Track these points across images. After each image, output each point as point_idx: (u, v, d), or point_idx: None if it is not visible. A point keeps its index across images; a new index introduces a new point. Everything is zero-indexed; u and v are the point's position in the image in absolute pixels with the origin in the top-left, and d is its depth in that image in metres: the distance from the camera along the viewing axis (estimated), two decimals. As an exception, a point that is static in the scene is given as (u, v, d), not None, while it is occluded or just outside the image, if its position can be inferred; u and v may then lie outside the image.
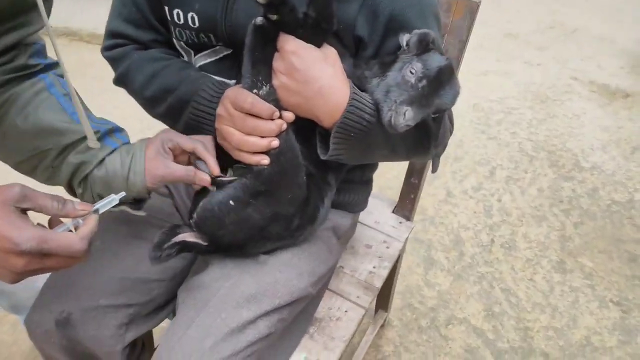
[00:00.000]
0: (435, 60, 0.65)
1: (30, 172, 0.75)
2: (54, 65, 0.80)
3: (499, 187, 2.06)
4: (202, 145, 0.73)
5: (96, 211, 0.59)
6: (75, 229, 0.57)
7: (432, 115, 0.68)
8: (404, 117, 0.63)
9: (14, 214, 0.51)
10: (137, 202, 0.77)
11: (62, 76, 0.81)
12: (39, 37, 0.76)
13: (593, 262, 1.76)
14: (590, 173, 2.15)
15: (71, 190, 0.75)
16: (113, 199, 0.62)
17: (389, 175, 2.05)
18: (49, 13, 0.76)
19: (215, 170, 0.73)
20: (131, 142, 0.79)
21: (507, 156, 2.23)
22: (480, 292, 1.64)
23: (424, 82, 0.64)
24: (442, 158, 2.44)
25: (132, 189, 0.71)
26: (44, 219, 0.57)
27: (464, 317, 1.56)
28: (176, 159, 0.74)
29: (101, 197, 0.71)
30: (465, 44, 0.97)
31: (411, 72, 0.65)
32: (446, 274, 1.69)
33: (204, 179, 0.72)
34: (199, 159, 0.74)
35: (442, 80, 0.65)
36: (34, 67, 0.74)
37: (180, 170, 0.72)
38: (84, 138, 0.72)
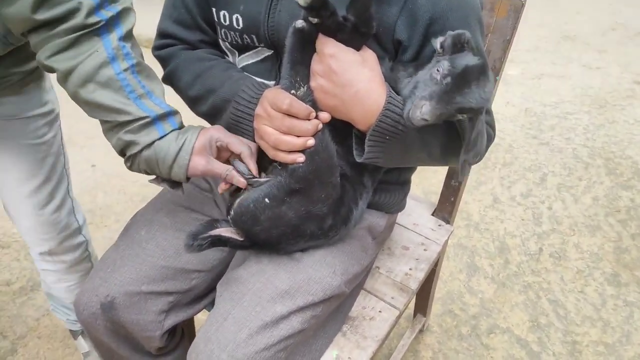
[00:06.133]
0: (465, 59, 0.65)
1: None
2: (119, 15, 0.74)
3: (550, 195, 1.98)
4: (248, 149, 0.77)
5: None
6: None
7: (461, 117, 0.67)
8: (421, 110, 0.63)
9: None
10: (176, 183, 0.81)
11: (126, 39, 0.76)
12: None
13: (652, 276, 1.66)
14: (652, 182, 2.03)
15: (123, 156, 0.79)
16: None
17: (434, 180, 2.02)
18: None
19: (255, 173, 0.76)
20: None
21: (560, 162, 2.14)
22: (525, 302, 1.58)
23: (448, 79, 0.64)
24: (490, 163, 2.34)
25: (174, 177, 0.76)
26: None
27: (507, 327, 1.51)
28: (218, 154, 0.78)
29: (147, 174, 0.78)
30: (509, 43, 0.94)
31: (438, 70, 0.64)
32: (490, 282, 1.64)
33: (241, 181, 0.76)
34: (238, 158, 0.78)
35: (468, 79, 0.64)
36: (94, 25, 0.71)
37: (220, 169, 0.76)
38: (136, 120, 0.74)
